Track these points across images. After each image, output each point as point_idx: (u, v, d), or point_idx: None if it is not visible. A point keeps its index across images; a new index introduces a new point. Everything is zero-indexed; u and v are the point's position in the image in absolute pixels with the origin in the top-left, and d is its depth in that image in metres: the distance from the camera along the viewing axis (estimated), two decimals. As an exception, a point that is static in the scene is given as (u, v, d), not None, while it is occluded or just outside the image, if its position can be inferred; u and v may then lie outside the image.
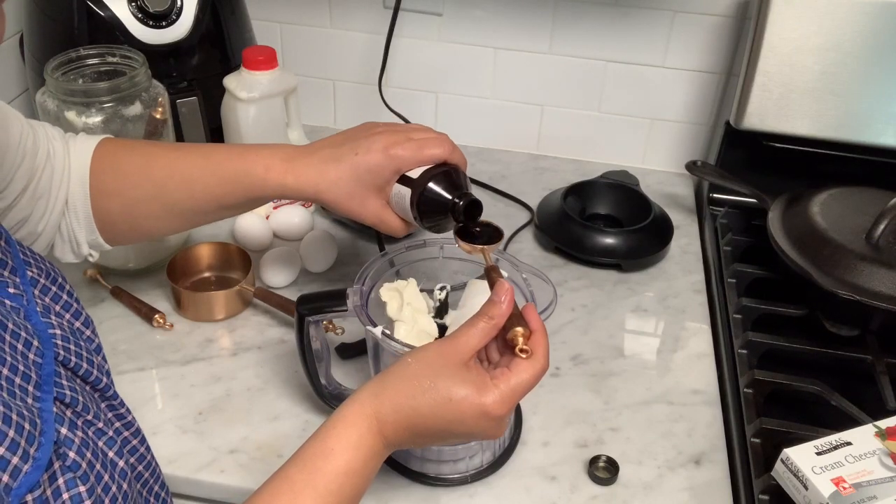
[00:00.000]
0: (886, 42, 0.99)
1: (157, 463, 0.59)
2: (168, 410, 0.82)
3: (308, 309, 0.73)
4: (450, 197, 0.74)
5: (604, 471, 0.77)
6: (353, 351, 0.89)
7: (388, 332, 0.68)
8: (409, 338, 0.70)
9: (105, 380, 0.52)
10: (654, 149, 1.27)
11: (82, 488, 0.44)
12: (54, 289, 0.52)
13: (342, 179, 0.74)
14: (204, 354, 0.89)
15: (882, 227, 0.89)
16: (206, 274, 1.00)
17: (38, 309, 0.49)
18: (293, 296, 0.84)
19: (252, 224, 1.04)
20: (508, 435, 0.79)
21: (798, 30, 1.00)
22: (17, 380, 0.42)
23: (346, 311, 0.71)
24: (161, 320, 0.92)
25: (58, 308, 0.52)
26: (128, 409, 0.55)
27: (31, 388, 0.43)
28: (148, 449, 0.58)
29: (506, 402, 0.58)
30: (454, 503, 0.75)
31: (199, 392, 0.85)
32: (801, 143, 1.07)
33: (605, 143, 1.27)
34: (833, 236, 0.92)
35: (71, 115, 0.88)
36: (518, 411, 0.83)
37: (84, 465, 0.45)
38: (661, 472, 0.78)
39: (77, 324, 0.53)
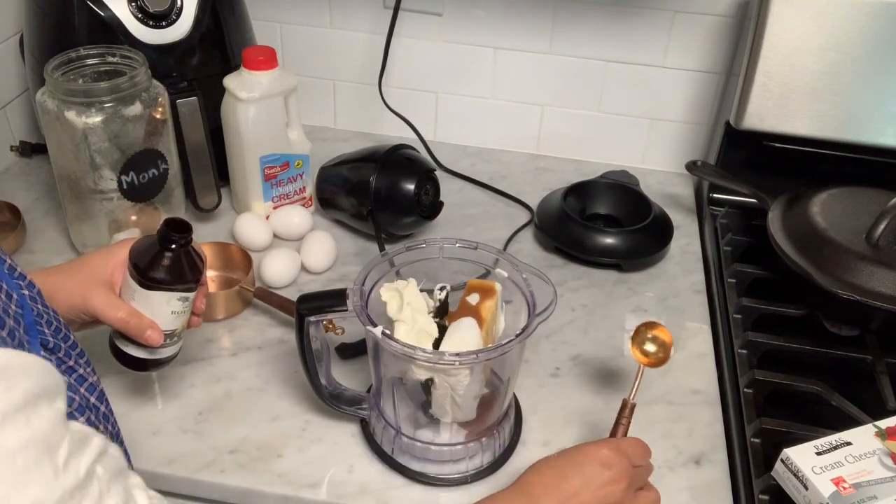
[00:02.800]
0: (886, 42, 0.99)
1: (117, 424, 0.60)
2: (168, 410, 0.82)
3: (308, 309, 0.73)
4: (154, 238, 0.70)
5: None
6: (353, 351, 0.89)
7: (388, 332, 0.68)
8: (409, 338, 0.70)
9: (73, 338, 0.54)
10: (654, 149, 1.27)
11: (81, 419, 0.47)
12: (9, 261, 0.54)
13: (63, 273, 0.71)
14: (204, 354, 0.89)
15: (882, 227, 0.89)
16: (207, 274, 1.00)
17: (4, 269, 0.50)
18: (293, 296, 0.84)
19: (252, 224, 1.04)
20: (508, 434, 0.79)
21: (798, 30, 1.00)
22: (10, 322, 0.44)
23: (346, 311, 0.71)
24: (161, 320, 0.92)
25: (14, 277, 0.53)
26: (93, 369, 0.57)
27: (21, 333, 0.45)
28: (110, 410, 0.59)
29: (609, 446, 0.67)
30: (454, 503, 0.75)
31: (199, 392, 0.85)
32: (801, 143, 1.07)
33: (605, 143, 1.27)
34: (833, 236, 0.92)
35: (71, 115, 0.88)
36: (518, 411, 0.83)
37: (78, 399, 0.49)
38: (661, 472, 0.78)
39: (32, 293, 0.54)
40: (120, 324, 0.69)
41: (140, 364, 0.73)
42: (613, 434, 0.72)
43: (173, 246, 0.69)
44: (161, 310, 0.70)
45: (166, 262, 0.69)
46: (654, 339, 0.76)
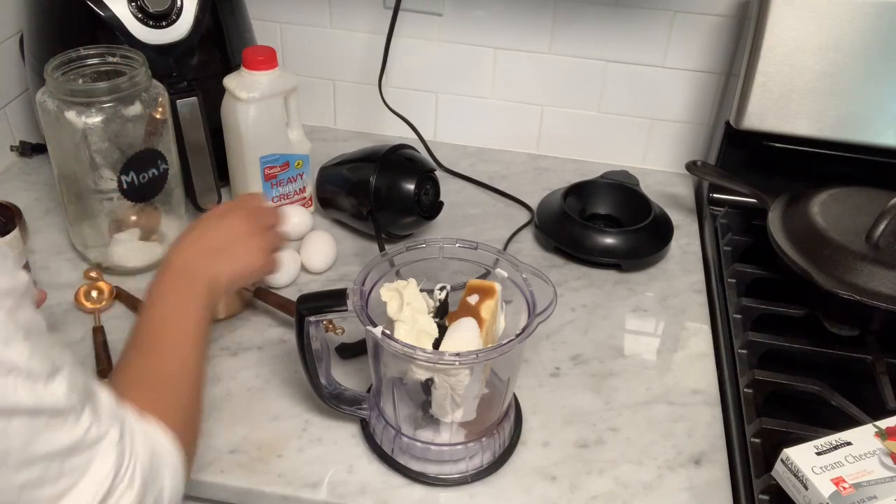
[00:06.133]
0: (886, 42, 0.99)
1: None
2: (168, 410, 0.82)
3: (308, 309, 0.73)
4: None
5: None
6: (353, 351, 0.89)
7: (388, 332, 0.68)
8: (409, 338, 0.70)
9: None
10: (654, 149, 1.27)
11: None
12: None
13: None
14: (204, 354, 0.89)
15: (882, 227, 0.89)
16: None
17: None
18: (293, 296, 0.84)
19: (252, 224, 1.04)
20: (508, 434, 0.79)
21: (798, 30, 1.00)
22: None
23: (346, 311, 0.71)
24: (161, 320, 0.92)
25: None
26: None
27: None
28: None
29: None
30: (454, 503, 0.75)
31: (199, 392, 0.84)
32: (801, 143, 1.07)
33: (605, 143, 1.27)
34: (833, 236, 0.92)
35: (71, 115, 0.88)
36: (518, 411, 0.83)
37: None
38: (661, 472, 0.78)
39: None
40: None
41: None
42: None
43: None
44: None
45: None
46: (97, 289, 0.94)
